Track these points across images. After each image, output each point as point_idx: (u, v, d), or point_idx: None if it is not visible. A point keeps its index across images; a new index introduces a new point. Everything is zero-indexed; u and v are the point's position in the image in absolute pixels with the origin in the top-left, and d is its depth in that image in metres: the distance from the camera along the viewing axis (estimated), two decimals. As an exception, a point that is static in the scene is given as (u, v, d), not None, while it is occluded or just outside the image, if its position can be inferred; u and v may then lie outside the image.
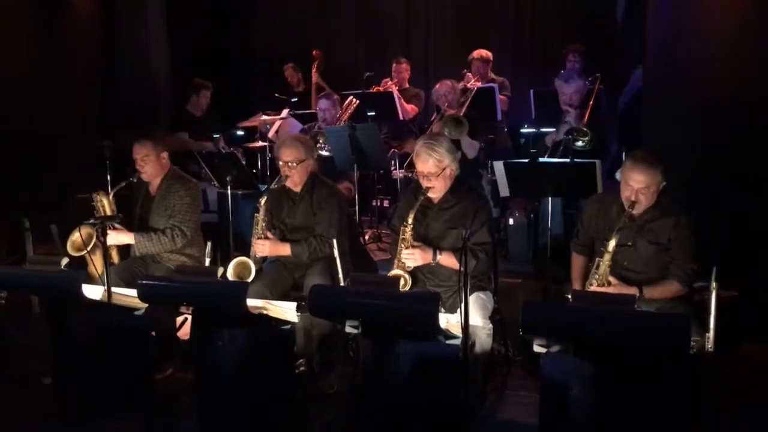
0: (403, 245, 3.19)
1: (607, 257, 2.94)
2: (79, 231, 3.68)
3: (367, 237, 5.13)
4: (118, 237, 3.75)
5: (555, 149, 4.54)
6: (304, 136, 4.34)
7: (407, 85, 6.26)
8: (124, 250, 3.94)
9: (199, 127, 5.92)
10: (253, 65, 8.08)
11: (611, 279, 2.98)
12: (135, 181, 3.89)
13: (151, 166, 3.79)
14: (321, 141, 5.21)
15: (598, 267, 2.98)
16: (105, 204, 3.89)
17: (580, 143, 4.37)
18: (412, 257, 3.16)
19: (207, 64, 7.00)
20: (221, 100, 6.34)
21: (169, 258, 3.79)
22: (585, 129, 4.40)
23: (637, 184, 2.96)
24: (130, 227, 3.84)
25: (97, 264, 3.61)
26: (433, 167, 3.15)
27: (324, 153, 5.11)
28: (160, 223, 3.78)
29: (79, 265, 3.68)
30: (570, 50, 5.65)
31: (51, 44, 5.89)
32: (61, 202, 5.00)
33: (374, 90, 5.97)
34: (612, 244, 2.91)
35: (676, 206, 3.06)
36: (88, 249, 3.63)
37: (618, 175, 3.13)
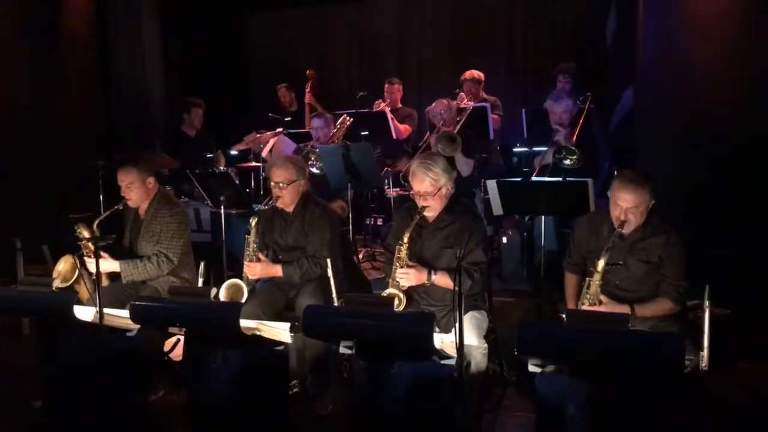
0: (398, 264, 3.18)
1: (597, 277, 2.94)
2: (63, 261, 3.64)
3: (361, 256, 5.12)
4: (103, 264, 3.59)
5: (542, 172, 4.56)
6: (296, 156, 4.32)
7: (400, 105, 6.29)
8: (115, 274, 3.88)
9: (192, 147, 5.92)
10: (247, 85, 8.13)
11: (602, 298, 2.98)
12: (121, 208, 3.78)
13: (136, 192, 3.71)
14: (312, 158, 5.21)
15: (589, 287, 2.99)
16: (86, 236, 3.69)
17: (568, 162, 4.42)
18: (406, 277, 3.15)
19: (202, 84, 7.04)
20: (216, 120, 6.35)
21: (160, 281, 3.73)
22: (573, 148, 4.44)
23: (625, 204, 2.97)
24: (121, 251, 3.80)
25: (83, 290, 3.57)
26: (429, 186, 3.16)
27: (314, 170, 5.10)
28: (147, 249, 3.72)
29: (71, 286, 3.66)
30: (559, 71, 5.71)
31: (46, 65, 5.91)
32: (53, 223, 4.97)
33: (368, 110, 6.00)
34: (601, 264, 2.92)
35: (666, 225, 3.08)
36: (72, 280, 3.59)
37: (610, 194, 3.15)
